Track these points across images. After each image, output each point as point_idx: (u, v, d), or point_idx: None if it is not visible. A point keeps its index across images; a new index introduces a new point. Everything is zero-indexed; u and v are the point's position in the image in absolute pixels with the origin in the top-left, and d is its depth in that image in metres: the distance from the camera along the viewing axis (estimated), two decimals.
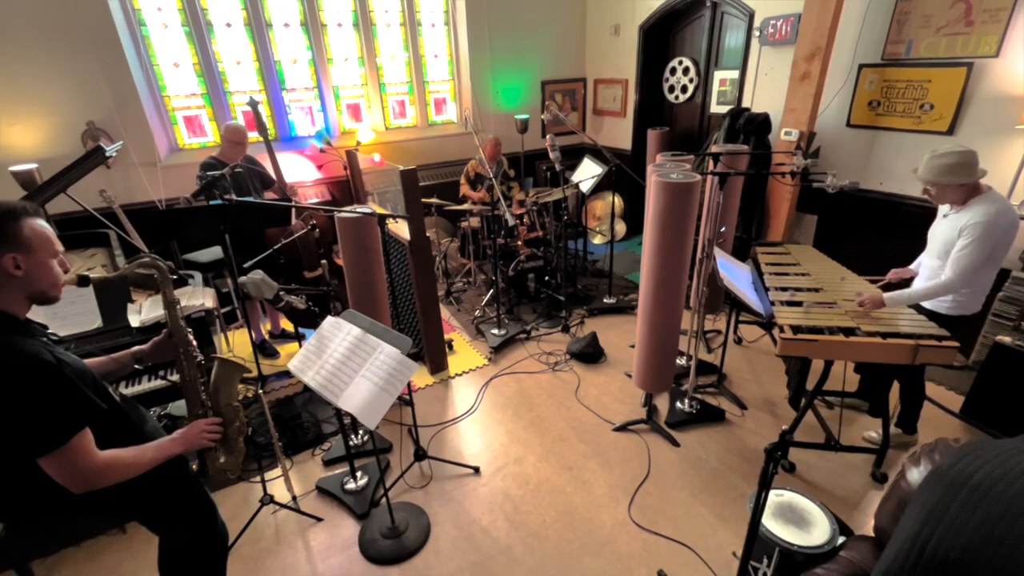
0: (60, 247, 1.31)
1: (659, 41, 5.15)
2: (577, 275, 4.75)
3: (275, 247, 2.83)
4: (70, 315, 2.40)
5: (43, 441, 1.18)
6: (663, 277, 2.43)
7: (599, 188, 4.62)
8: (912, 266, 2.54)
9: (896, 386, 2.54)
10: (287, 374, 3.47)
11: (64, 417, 1.20)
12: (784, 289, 2.55)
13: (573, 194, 4.84)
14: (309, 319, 2.40)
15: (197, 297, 2.73)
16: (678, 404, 2.99)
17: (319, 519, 2.40)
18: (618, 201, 5.36)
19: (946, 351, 2.01)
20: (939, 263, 2.26)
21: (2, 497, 1.35)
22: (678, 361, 3.28)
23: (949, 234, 2.17)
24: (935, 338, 2.05)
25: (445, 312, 4.22)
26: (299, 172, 4.65)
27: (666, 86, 5.23)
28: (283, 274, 3.55)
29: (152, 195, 4.07)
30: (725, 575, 2.05)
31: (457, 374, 3.50)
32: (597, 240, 5.62)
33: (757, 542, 1.57)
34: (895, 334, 2.09)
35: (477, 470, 2.65)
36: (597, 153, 4.37)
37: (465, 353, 3.73)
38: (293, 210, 3.18)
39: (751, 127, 3.88)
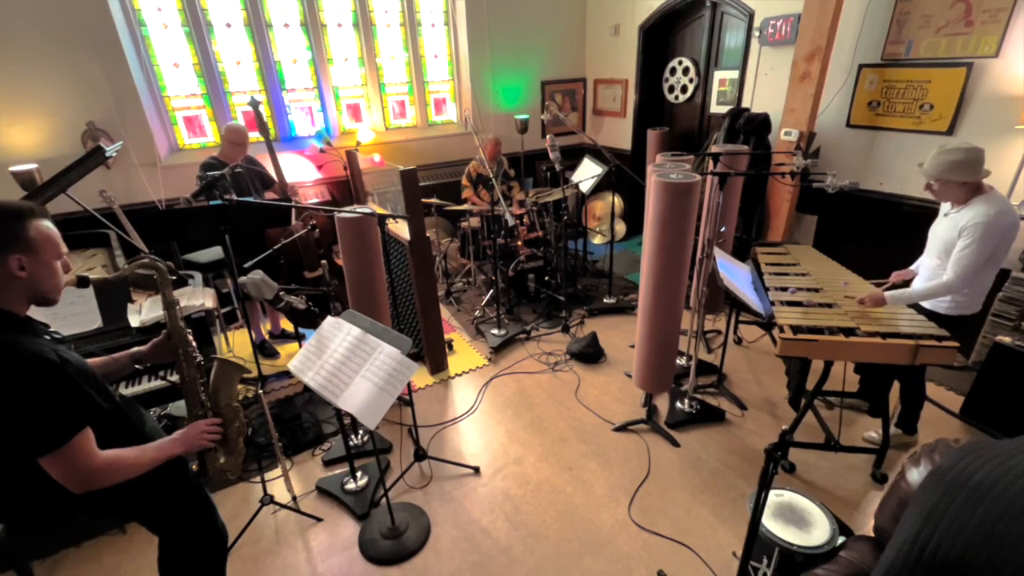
0: (64, 248, 1.31)
1: (659, 41, 5.15)
2: (577, 275, 4.76)
3: (275, 247, 2.83)
4: (70, 315, 2.40)
5: (44, 440, 1.18)
6: (663, 277, 2.43)
7: (599, 188, 4.62)
8: (913, 267, 2.54)
9: (896, 386, 2.54)
10: (287, 374, 3.47)
11: (66, 417, 1.20)
12: (784, 289, 2.55)
13: (573, 194, 4.84)
14: (309, 319, 2.40)
15: (197, 297, 2.73)
16: (678, 404, 2.99)
17: (319, 519, 2.40)
18: (618, 201, 5.36)
19: (946, 351, 2.01)
20: (938, 263, 2.26)
21: (2, 497, 1.35)
22: (678, 361, 3.28)
23: (949, 234, 2.17)
24: (935, 338, 2.05)
25: (445, 312, 4.22)
26: (299, 172, 4.65)
27: (666, 86, 5.23)
28: (283, 274, 3.56)
29: (152, 195, 4.07)
30: (725, 575, 2.05)
31: (457, 374, 3.50)
32: (597, 240, 5.62)
33: (757, 542, 1.57)
34: (895, 334, 2.09)
35: (477, 470, 2.66)
36: (597, 153, 4.37)
37: (465, 353, 3.73)
38: (293, 210, 3.18)
39: (751, 127, 3.88)
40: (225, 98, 4.45)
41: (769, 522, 1.76)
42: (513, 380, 3.42)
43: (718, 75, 4.64)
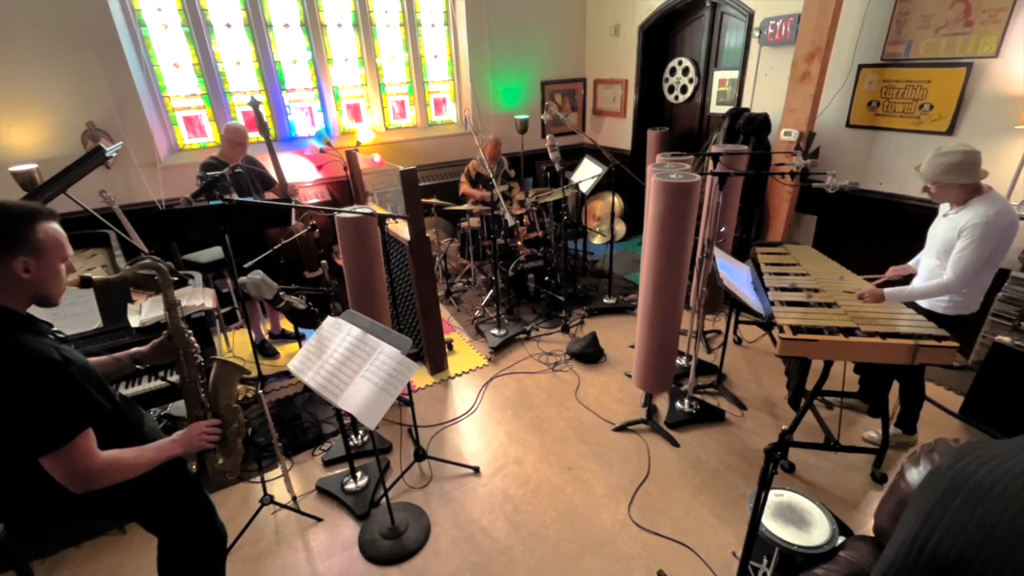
0: (70, 251, 1.31)
1: (659, 41, 5.15)
2: (577, 275, 4.76)
3: (275, 247, 2.83)
4: (70, 315, 2.40)
5: (45, 440, 1.18)
6: (663, 277, 2.43)
7: (599, 188, 4.62)
8: (911, 263, 2.54)
9: (896, 386, 2.54)
10: (287, 374, 3.47)
11: (68, 417, 1.20)
12: (784, 289, 2.55)
13: (573, 194, 4.84)
14: (309, 319, 2.40)
15: (197, 297, 2.73)
16: (678, 404, 2.99)
17: (319, 519, 2.40)
18: (618, 201, 5.36)
19: (946, 351, 2.01)
20: (938, 263, 2.26)
21: (2, 497, 1.35)
22: (678, 361, 3.28)
23: (948, 234, 2.17)
24: (935, 338, 2.05)
25: (445, 312, 4.22)
26: (299, 172, 4.65)
27: (666, 86, 5.23)
28: (283, 274, 3.56)
29: (152, 195, 4.07)
30: (725, 575, 2.06)
31: (457, 374, 3.50)
32: (597, 240, 5.62)
33: (757, 542, 1.57)
34: (895, 334, 2.09)
35: (477, 470, 2.66)
36: (597, 153, 4.37)
37: (465, 353, 3.74)
38: (293, 210, 3.18)
39: (751, 127, 3.88)
40: (225, 98, 4.45)
41: (769, 522, 1.76)
42: (513, 380, 3.42)
43: (718, 75, 4.64)
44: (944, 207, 2.29)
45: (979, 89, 3.02)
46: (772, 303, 2.40)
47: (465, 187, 4.64)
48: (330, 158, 4.66)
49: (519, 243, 4.29)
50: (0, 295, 1.19)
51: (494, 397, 3.25)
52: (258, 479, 2.51)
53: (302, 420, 3.02)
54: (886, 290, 2.27)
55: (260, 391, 2.45)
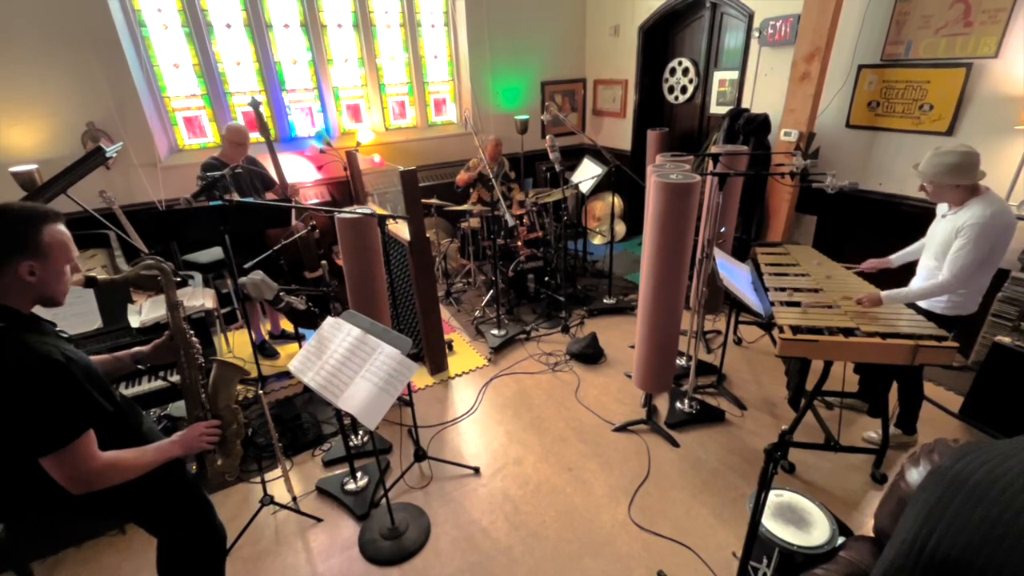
0: (76, 252, 1.31)
1: (659, 42, 5.15)
2: (577, 276, 4.76)
3: (275, 248, 2.83)
4: (70, 315, 2.40)
5: (46, 441, 1.18)
6: (663, 277, 2.43)
7: (599, 189, 4.63)
8: (892, 257, 2.56)
9: (895, 386, 2.54)
10: (287, 375, 3.47)
11: (70, 418, 1.20)
12: (783, 290, 2.56)
13: (573, 195, 4.84)
14: (309, 320, 2.40)
15: (197, 298, 2.74)
16: (678, 404, 2.99)
17: (319, 520, 2.40)
18: (618, 202, 5.37)
19: (945, 351, 2.01)
20: (936, 264, 2.26)
21: (2, 497, 1.35)
22: (678, 361, 3.28)
23: (947, 235, 2.17)
24: (934, 338, 2.05)
25: (445, 312, 4.22)
26: (299, 173, 4.65)
27: (666, 87, 5.24)
28: (283, 275, 3.56)
29: (152, 196, 4.07)
30: (725, 575, 2.06)
31: (457, 375, 3.50)
32: (597, 240, 5.63)
33: (757, 542, 1.57)
34: (894, 334, 2.10)
35: (477, 470, 2.66)
36: (597, 154, 4.37)
37: (465, 354, 3.74)
38: (293, 211, 3.18)
39: (751, 128, 3.88)
40: (225, 99, 4.45)
41: (769, 522, 1.77)
42: (513, 380, 3.42)
43: (718, 75, 4.64)
44: (943, 208, 2.29)
45: (979, 89, 3.02)
46: (772, 303, 2.40)
47: (462, 176, 4.61)
48: (330, 158, 4.66)
49: (519, 243, 4.29)
50: (5, 296, 1.19)
51: (494, 397, 3.26)
52: (258, 479, 2.51)
53: (302, 420, 3.02)
54: (884, 293, 2.27)
55: (260, 391, 2.45)
